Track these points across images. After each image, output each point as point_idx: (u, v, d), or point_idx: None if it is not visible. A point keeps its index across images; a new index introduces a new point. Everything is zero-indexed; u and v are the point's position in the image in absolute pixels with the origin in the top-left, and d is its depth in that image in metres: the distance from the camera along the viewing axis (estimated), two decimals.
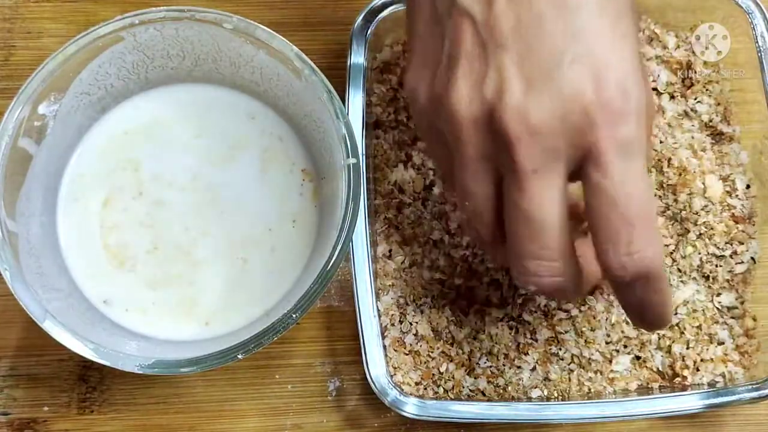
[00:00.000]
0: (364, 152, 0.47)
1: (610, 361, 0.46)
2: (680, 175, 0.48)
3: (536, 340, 0.47)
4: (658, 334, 0.47)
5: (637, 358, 0.47)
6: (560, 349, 0.46)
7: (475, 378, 0.46)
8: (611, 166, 0.33)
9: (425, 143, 0.48)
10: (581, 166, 0.34)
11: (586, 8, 0.34)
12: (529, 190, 0.34)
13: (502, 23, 0.34)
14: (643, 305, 0.36)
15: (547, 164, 0.34)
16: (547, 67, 0.33)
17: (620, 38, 0.34)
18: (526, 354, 0.46)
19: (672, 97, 0.50)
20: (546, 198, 0.34)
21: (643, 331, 0.47)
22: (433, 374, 0.46)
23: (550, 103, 0.33)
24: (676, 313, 0.47)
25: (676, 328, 0.47)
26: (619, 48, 0.34)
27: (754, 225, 0.48)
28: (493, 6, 0.34)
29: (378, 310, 0.46)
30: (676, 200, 0.48)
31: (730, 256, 0.48)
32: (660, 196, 0.48)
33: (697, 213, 0.48)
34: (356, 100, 0.47)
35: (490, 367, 0.46)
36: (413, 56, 0.39)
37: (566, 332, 0.47)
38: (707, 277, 0.48)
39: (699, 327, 0.47)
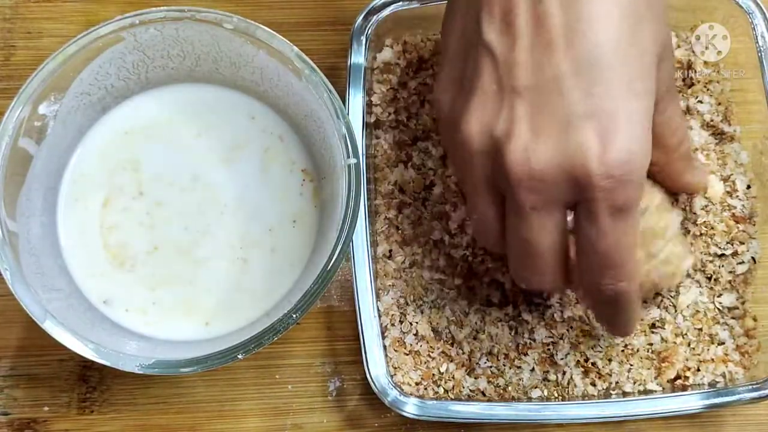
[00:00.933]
0: (364, 152, 0.47)
1: (610, 361, 0.46)
2: None
3: (534, 340, 0.47)
4: (661, 335, 0.47)
5: (639, 359, 0.47)
6: (559, 350, 0.46)
7: (475, 378, 0.46)
8: (601, 223, 0.35)
9: (446, 149, 0.48)
10: (576, 205, 0.36)
11: (605, 67, 0.34)
12: (527, 222, 0.36)
13: (520, 71, 0.35)
14: (610, 320, 0.41)
15: (546, 205, 0.36)
16: (557, 121, 0.34)
17: (635, 97, 0.35)
18: (526, 354, 0.46)
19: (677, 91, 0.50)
20: (543, 231, 0.37)
21: (644, 333, 0.47)
22: (433, 374, 0.46)
23: (554, 155, 0.34)
24: (677, 315, 0.47)
25: (678, 328, 0.47)
26: (632, 109, 0.35)
27: (754, 225, 0.48)
28: (514, 50, 0.35)
29: (378, 310, 0.46)
30: (676, 200, 0.48)
31: (732, 256, 0.48)
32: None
33: (697, 213, 0.48)
34: (356, 100, 0.47)
35: (490, 367, 0.46)
36: (444, 67, 0.40)
37: (566, 332, 0.46)
38: (708, 278, 0.48)
39: (700, 328, 0.47)
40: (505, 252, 0.40)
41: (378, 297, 0.46)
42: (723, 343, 0.47)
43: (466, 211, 0.45)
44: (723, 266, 0.48)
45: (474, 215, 0.40)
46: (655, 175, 0.44)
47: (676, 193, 0.47)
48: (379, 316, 0.46)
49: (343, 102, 0.46)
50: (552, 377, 0.46)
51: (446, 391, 0.46)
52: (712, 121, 0.50)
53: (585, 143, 0.34)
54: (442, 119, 0.40)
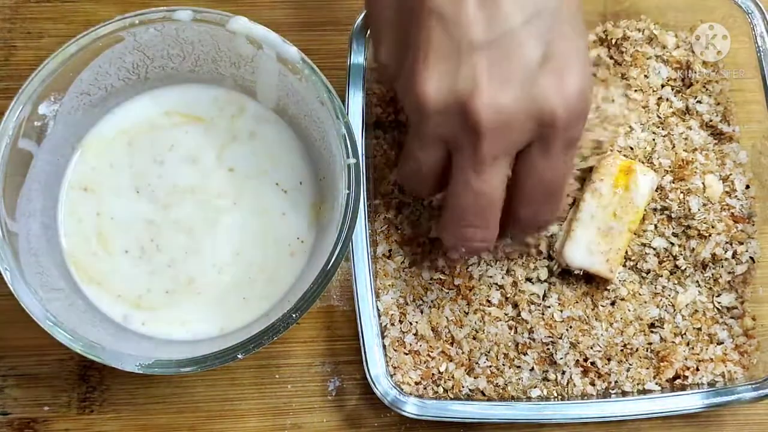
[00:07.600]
0: (364, 152, 0.47)
1: (609, 361, 0.46)
2: (679, 170, 0.48)
3: (533, 340, 0.47)
4: (660, 335, 0.47)
5: (638, 358, 0.47)
6: (558, 350, 0.46)
7: (474, 378, 0.46)
8: (554, 156, 0.39)
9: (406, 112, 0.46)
10: (526, 147, 0.39)
11: (551, 12, 0.37)
12: (485, 173, 0.39)
13: (474, 28, 0.37)
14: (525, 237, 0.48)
15: (504, 155, 0.39)
16: (517, 70, 0.37)
17: (578, 36, 0.39)
18: (525, 354, 0.46)
19: (676, 91, 0.50)
20: (497, 181, 0.39)
21: (643, 333, 0.47)
22: (433, 374, 0.46)
23: (520, 102, 0.37)
24: (676, 314, 0.47)
25: (677, 328, 0.47)
26: (580, 47, 0.38)
27: (753, 225, 0.48)
28: (463, 8, 0.37)
29: (378, 310, 0.46)
30: (675, 200, 0.48)
31: (732, 257, 0.48)
32: (660, 197, 0.48)
33: (696, 213, 0.48)
34: (356, 100, 0.47)
35: (490, 366, 0.46)
36: (382, 35, 0.41)
37: (566, 331, 0.47)
38: (707, 278, 0.48)
39: (699, 327, 0.47)
40: (428, 199, 0.46)
41: (378, 297, 0.47)
42: (722, 343, 0.47)
43: (401, 158, 0.44)
44: (722, 266, 0.48)
45: (410, 162, 0.42)
46: None
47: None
48: (379, 316, 0.46)
49: (343, 102, 0.46)
50: (551, 377, 0.46)
51: (446, 390, 0.46)
52: (711, 121, 0.50)
53: (546, 85, 0.37)
54: (396, 85, 0.41)
